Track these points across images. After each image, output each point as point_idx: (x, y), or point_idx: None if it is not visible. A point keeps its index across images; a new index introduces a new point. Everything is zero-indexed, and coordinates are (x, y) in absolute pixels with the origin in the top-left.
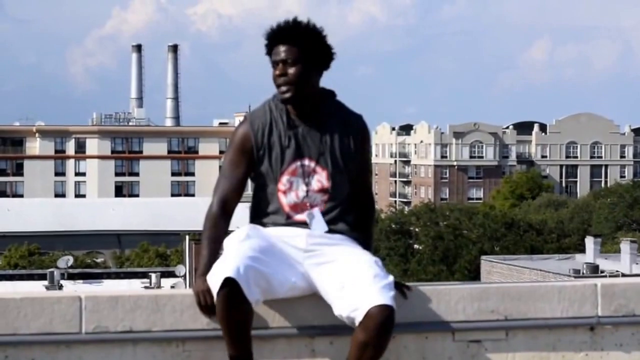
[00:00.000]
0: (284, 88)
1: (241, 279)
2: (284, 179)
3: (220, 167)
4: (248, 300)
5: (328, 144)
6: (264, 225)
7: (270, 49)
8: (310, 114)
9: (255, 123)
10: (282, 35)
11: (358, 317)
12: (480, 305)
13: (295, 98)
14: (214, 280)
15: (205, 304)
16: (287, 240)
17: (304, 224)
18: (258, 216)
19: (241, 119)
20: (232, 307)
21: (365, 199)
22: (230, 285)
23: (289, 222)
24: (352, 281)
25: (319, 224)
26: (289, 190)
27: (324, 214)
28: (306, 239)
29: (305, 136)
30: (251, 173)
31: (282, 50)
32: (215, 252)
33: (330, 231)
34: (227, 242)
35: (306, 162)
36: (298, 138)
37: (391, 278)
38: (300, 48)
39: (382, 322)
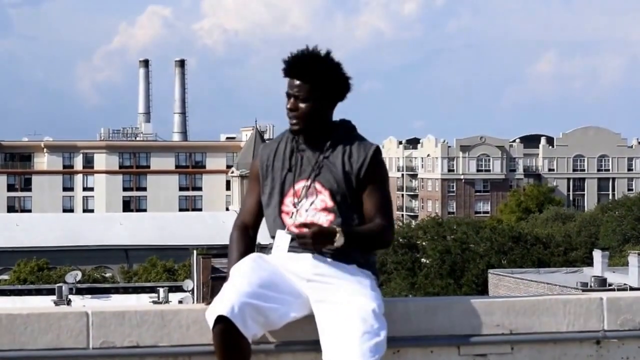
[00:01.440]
0: (293, 121)
1: (236, 316)
2: (287, 200)
3: (227, 182)
4: (244, 335)
5: (331, 167)
6: (270, 250)
7: (286, 76)
8: (318, 141)
9: (263, 153)
10: (297, 70)
11: None
12: (486, 319)
13: (303, 131)
14: (209, 315)
15: None
16: (290, 268)
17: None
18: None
19: (248, 133)
20: (227, 343)
21: (380, 220)
22: (224, 322)
23: (293, 247)
24: (339, 334)
25: (284, 244)
26: (292, 211)
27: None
28: (310, 268)
29: (309, 159)
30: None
31: (294, 85)
32: (233, 261)
33: (338, 255)
34: (232, 272)
35: (309, 183)
36: (303, 161)
37: (383, 334)
38: (312, 85)
39: None
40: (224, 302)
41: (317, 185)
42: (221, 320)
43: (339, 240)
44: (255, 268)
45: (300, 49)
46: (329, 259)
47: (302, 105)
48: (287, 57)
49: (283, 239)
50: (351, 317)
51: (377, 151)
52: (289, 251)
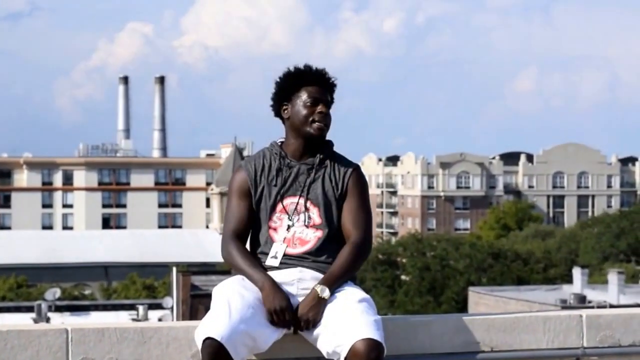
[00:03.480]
0: (321, 124)
1: (228, 342)
2: (275, 216)
3: (207, 199)
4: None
5: (320, 184)
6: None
7: (300, 85)
8: (307, 157)
9: (249, 166)
10: (323, 80)
11: (343, 353)
12: (466, 337)
13: (323, 136)
14: (200, 338)
15: (280, 323)
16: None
17: (294, 258)
18: (254, 255)
19: (228, 150)
20: None
21: (356, 239)
22: (215, 347)
23: (280, 264)
24: (337, 317)
25: (280, 255)
26: (280, 227)
27: (317, 250)
28: (296, 284)
29: (298, 175)
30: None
31: (323, 92)
32: (251, 264)
33: (323, 265)
34: (216, 295)
35: (298, 199)
36: (291, 177)
37: (379, 317)
38: (331, 95)
39: (368, 357)
40: (217, 326)
41: (307, 203)
42: (213, 344)
43: (325, 293)
44: (241, 291)
45: (308, 64)
46: (313, 273)
47: (329, 111)
48: (306, 68)
49: (279, 249)
50: (346, 301)
51: (358, 168)
52: (276, 268)
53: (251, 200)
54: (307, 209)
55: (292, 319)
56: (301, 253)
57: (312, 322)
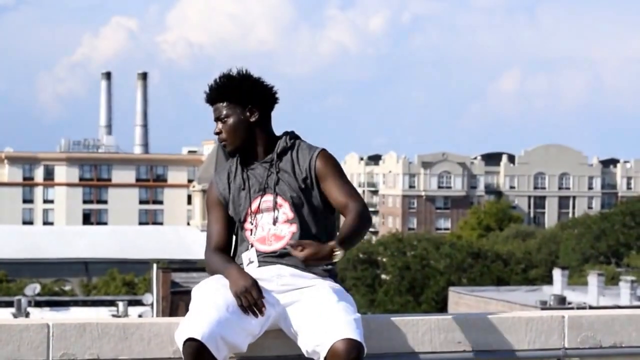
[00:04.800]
0: (223, 144)
1: (209, 341)
2: (249, 219)
3: (188, 196)
4: (216, 359)
5: (285, 177)
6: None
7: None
8: (264, 155)
9: (217, 178)
10: (210, 97)
11: (322, 352)
12: (447, 336)
13: (236, 149)
14: (180, 337)
15: (248, 304)
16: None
17: (272, 256)
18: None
19: (210, 147)
20: None
21: (356, 206)
22: (197, 346)
23: (260, 262)
24: (317, 315)
25: (254, 258)
26: (255, 228)
27: (292, 244)
28: (276, 280)
29: (261, 175)
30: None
31: (213, 111)
32: (223, 261)
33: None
34: (196, 294)
35: (266, 197)
36: (255, 178)
37: (359, 316)
38: (227, 102)
39: (348, 358)
40: (197, 326)
41: (277, 199)
42: (194, 344)
43: (339, 255)
44: (220, 289)
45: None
46: (292, 270)
47: (224, 126)
48: (205, 91)
49: (250, 255)
50: (327, 301)
51: (323, 150)
52: (258, 266)
53: (226, 210)
54: (278, 205)
55: (260, 299)
56: (278, 249)
57: (303, 251)
